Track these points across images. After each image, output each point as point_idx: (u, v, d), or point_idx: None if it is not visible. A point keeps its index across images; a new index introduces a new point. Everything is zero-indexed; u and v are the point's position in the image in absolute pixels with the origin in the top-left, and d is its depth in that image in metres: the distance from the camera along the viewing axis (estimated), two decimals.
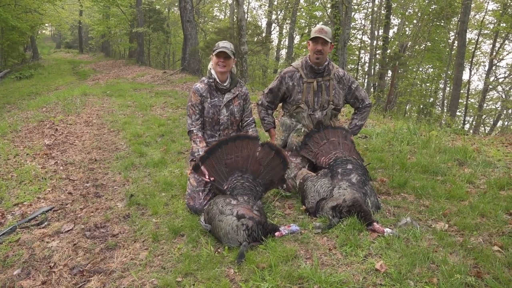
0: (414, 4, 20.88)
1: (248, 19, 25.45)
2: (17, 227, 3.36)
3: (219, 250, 2.72)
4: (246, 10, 24.95)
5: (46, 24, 34.17)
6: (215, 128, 3.61)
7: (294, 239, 2.74)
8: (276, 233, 2.75)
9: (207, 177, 3.21)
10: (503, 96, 21.65)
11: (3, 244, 3.10)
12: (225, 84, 3.52)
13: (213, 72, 3.50)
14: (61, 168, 5.01)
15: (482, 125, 21.19)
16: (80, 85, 14.81)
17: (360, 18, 27.15)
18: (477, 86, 25.32)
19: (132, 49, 26.18)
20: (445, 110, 19.08)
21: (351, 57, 24.17)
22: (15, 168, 4.88)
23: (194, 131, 3.52)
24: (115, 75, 18.92)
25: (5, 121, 7.82)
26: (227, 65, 3.47)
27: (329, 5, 14.03)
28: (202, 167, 3.22)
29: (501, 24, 18.49)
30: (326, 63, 3.72)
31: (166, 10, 29.00)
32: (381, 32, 21.43)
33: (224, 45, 3.45)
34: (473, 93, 23.70)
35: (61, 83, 16.45)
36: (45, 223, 3.45)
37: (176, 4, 24.95)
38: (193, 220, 3.17)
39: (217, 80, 3.48)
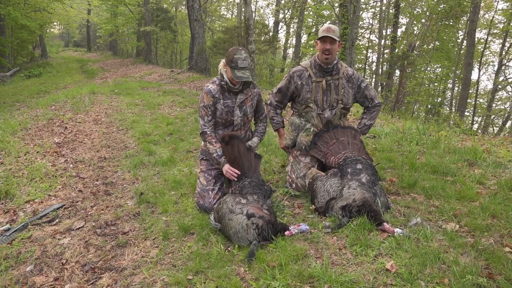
0: (423, 3, 20.74)
1: (255, 18, 25.45)
2: (29, 224, 3.40)
3: (229, 248, 2.74)
4: (253, 9, 24.94)
5: (55, 23, 34.43)
6: (228, 129, 3.58)
7: (304, 239, 2.75)
8: (286, 232, 2.76)
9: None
10: None
11: (16, 241, 3.14)
12: (237, 87, 3.48)
13: (225, 75, 3.44)
14: (71, 166, 5.05)
15: (491, 126, 21.01)
16: (88, 83, 14.92)
17: (368, 17, 27.09)
18: (486, 86, 25.10)
19: (140, 47, 26.36)
20: (454, 110, 18.95)
21: (359, 56, 24.10)
22: (26, 166, 4.94)
23: (208, 132, 3.49)
24: (123, 74, 19.04)
25: (15, 119, 7.89)
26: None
27: (337, 4, 13.99)
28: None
29: (511, 24, 18.31)
30: (335, 62, 3.71)
31: (174, 9, 29.09)
32: (389, 31, 21.38)
33: (244, 65, 3.32)
34: (482, 93, 23.51)
35: (69, 81, 16.58)
36: (56, 220, 3.49)
37: (184, 3, 25.03)
38: (203, 218, 3.19)
39: (229, 83, 3.45)
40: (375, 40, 24.12)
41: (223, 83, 3.46)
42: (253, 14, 15.18)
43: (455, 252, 2.45)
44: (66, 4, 21.83)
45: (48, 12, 22.61)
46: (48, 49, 32.15)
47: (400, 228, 2.74)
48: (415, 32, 21.89)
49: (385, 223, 2.74)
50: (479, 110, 21.80)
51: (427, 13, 19.57)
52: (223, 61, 3.45)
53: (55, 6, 22.08)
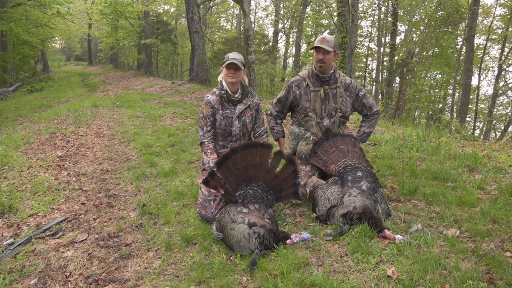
0: (421, 10, 20.90)
1: (255, 28, 25.65)
2: (33, 238, 3.42)
3: (231, 258, 2.75)
4: (252, 20, 25.16)
5: (56, 38, 34.77)
6: (227, 139, 3.65)
7: (306, 247, 2.76)
8: (288, 241, 2.78)
9: (217, 189, 3.26)
10: None
11: (20, 255, 3.16)
12: (236, 95, 3.55)
13: (224, 83, 3.52)
14: (74, 179, 5.08)
15: (492, 131, 20.99)
16: (90, 97, 15.01)
17: (366, 26, 27.32)
18: (487, 91, 25.15)
19: (141, 60, 26.54)
20: (455, 116, 18.98)
21: (359, 65, 24.20)
22: (29, 180, 4.97)
23: (206, 142, 3.57)
24: (124, 87, 19.16)
25: (18, 134, 7.95)
26: (237, 76, 3.52)
27: (335, 13, 14.09)
28: (213, 181, 3.27)
29: (510, 29, 18.41)
30: (332, 71, 3.77)
31: (174, 22, 29.35)
32: (388, 39, 21.48)
33: (234, 56, 3.49)
34: (482, 98, 23.55)
35: (71, 95, 16.69)
36: (60, 233, 3.51)
37: (184, 15, 25.26)
38: (205, 228, 3.20)
39: (229, 91, 3.52)
40: (374, 48, 24.27)
41: (222, 92, 3.54)
42: (252, 25, 15.34)
43: (456, 257, 2.46)
44: (67, 19, 22.06)
45: (49, 27, 22.88)
46: (49, 64, 32.42)
47: (401, 235, 2.76)
48: (414, 39, 22.02)
49: (386, 230, 2.76)
50: (480, 116, 21.80)
51: (426, 20, 19.71)
52: (221, 68, 3.55)
53: (56, 21, 22.33)
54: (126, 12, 21.86)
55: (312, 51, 3.77)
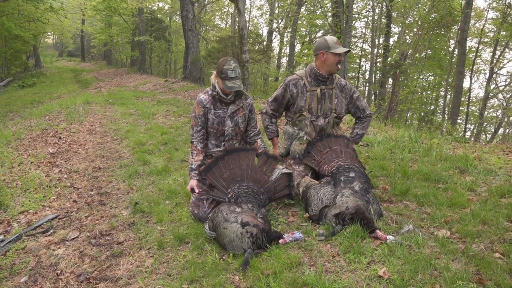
0: (414, 13, 21.03)
1: (249, 27, 25.61)
2: (23, 235, 3.40)
3: (224, 257, 2.75)
4: (247, 19, 25.12)
5: (49, 33, 34.42)
6: (220, 139, 3.64)
7: (298, 246, 2.77)
8: (280, 240, 2.79)
9: (197, 191, 3.40)
10: (504, 104, 21.67)
11: (10, 252, 3.14)
12: (228, 97, 3.53)
13: (217, 86, 3.48)
14: (65, 176, 5.05)
15: (483, 133, 21.20)
16: (82, 93, 14.91)
17: (360, 27, 27.34)
18: (478, 94, 25.39)
19: (134, 57, 26.39)
20: (446, 118, 19.12)
21: (352, 65, 24.31)
22: (19, 176, 4.93)
23: (194, 142, 3.58)
24: (117, 84, 19.05)
25: (9, 130, 7.88)
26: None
27: (330, 14, 14.15)
28: (196, 187, 3.43)
29: (501, 32, 18.59)
30: None
31: (168, 19, 29.23)
32: (381, 40, 21.59)
33: (233, 75, 3.35)
34: (473, 100, 23.73)
35: (63, 91, 16.56)
36: (51, 231, 3.49)
37: (178, 13, 25.16)
38: (198, 227, 3.20)
39: (220, 94, 3.50)
40: (368, 49, 24.39)
41: (214, 93, 3.52)
42: (247, 24, 15.31)
43: (446, 258, 2.48)
44: (60, 15, 21.82)
45: (42, 22, 22.63)
46: (42, 59, 32.11)
47: (392, 235, 2.78)
48: (407, 41, 22.15)
49: (377, 231, 2.78)
50: (472, 118, 22.00)
51: (419, 23, 19.83)
52: (214, 72, 3.51)
53: (49, 16, 22.08)
54: (120, 9, 21.71)
55: (320, 53, 3.72)
